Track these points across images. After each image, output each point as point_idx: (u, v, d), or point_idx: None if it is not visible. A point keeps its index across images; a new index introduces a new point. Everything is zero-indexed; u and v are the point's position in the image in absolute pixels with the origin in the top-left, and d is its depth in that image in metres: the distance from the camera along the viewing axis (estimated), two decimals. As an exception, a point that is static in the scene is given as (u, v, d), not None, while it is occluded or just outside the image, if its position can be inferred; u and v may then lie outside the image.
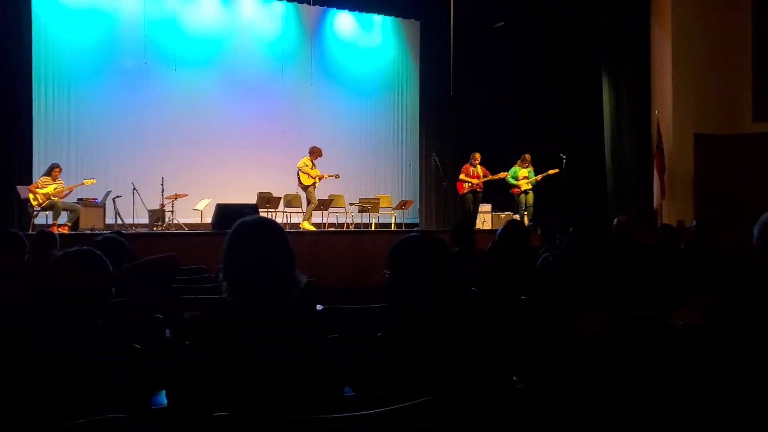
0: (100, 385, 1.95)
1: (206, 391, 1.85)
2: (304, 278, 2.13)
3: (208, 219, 10.13)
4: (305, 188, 10.91)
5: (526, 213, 11.45)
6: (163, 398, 2.12)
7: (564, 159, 11.51)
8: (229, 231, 2.13)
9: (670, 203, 11.50)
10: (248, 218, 2.16)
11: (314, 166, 10.90)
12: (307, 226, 10.69)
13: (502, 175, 11.55)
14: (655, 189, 11.53)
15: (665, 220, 10.63)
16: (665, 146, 11.49)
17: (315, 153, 10.91)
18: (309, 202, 10.96)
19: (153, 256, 4.01)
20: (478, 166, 11.46)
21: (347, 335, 2.22)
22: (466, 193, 11.43)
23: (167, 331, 2.46)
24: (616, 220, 7.42)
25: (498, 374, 2.26)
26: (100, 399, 1.85)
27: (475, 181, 11.37)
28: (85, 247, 2.39)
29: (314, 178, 10.84)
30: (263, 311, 2.01)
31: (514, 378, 2.06)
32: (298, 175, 10.87)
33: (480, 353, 2.20)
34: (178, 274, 4.72)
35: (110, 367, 2.03)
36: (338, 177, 11.10)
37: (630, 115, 12.20)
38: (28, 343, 2.00)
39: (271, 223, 2.21)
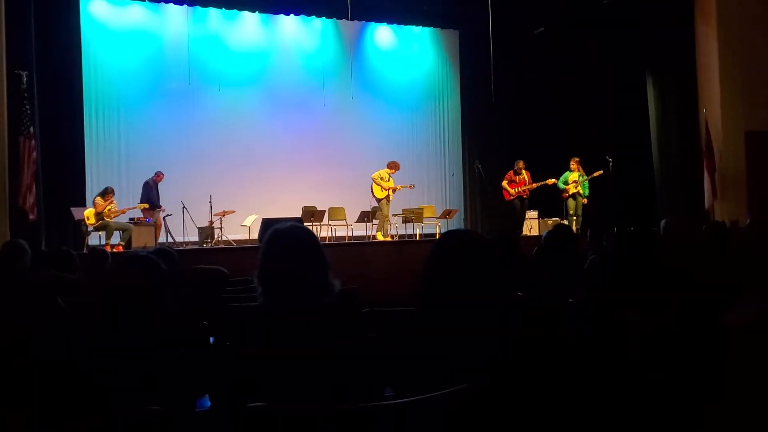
0: (147, 388, 2.00)
1: (246, 392, 1.89)
2: (338, 283, 2.15)
3: (256, 234, 10.29)
4: (378, 201, 11.14)
5: (574, 218, 11.33)
6: (206, 401, 2.17)
7: (610, 162, 11.37)
8: (265, 237, 2.18)
9: (723, 203, 11.18)
10: (281, 225, 2.20)
11: (390, 179, 11.17)
12: (380, 237, 10.94)
13: (549, 181, 11.51)
14: (706, 189, 11.23)
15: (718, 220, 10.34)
16: (715, 145, 11.18)
17: (393, 167, 11.23)
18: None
19: (205, 266, 4.08)
20: (524, 172, 11.46)
21: (386, 336, 2.23)
22: (513, 199, 11.44)
23: (211, 339, 2.54)
24: (664, 221, 7.25)
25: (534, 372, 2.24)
26: (146, 401, 1.90)
27: (521, 188, 11.37)
28: (140, 252, 2.45)
29: (387, 191, 11.05)
30: (297, 315, 2.04)
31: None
32: (372, 186, 11.13)
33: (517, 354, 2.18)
34: (226, 286, 4.85)
35: (158, 370, 2.08)
36: (413, 187, 11.42)
37: (677, 116, 11.94)
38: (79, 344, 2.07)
39: (303, 230, 2.24)
